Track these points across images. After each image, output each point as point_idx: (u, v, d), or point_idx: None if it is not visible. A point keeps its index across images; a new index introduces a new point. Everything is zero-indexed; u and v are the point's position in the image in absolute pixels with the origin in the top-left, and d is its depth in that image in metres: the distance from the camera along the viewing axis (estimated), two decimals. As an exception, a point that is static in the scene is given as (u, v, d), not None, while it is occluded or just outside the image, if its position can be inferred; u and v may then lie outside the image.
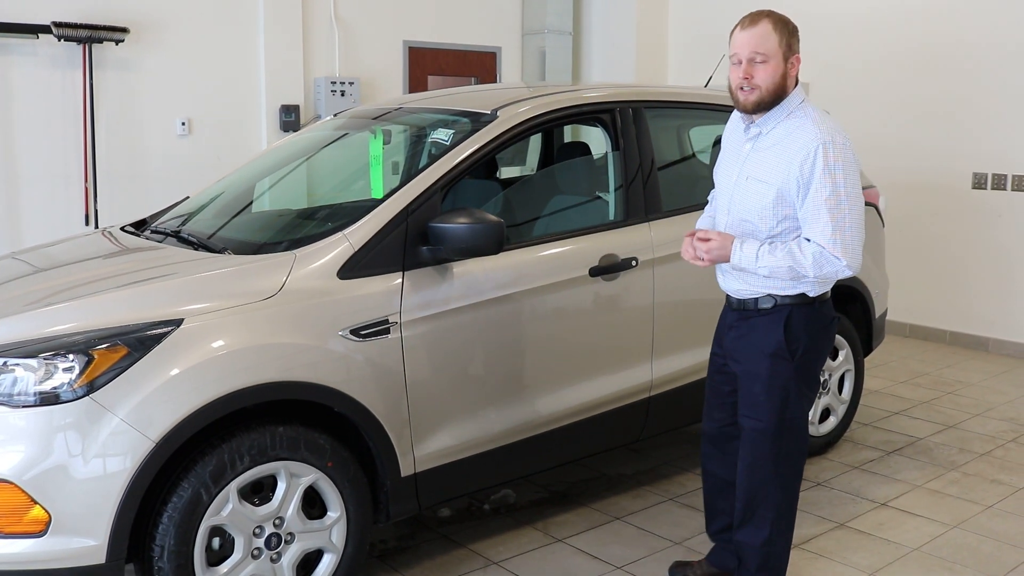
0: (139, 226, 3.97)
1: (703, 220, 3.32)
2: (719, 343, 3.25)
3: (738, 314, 3.09)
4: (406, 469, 3.19)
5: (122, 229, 3.93)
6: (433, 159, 3.42)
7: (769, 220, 2.90)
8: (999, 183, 6.77)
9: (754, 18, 2.87)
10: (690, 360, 4.00)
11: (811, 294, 2.96)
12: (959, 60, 6.86)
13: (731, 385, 3.20)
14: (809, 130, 2.84)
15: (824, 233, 2.79)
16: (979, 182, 6.86)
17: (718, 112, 4.40)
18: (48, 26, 6.39)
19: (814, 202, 2.80)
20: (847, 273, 2.84)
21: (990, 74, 6.71)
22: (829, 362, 4.63)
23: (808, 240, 2.83)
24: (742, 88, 2.89)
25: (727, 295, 3.16)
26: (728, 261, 2.91)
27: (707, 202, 3.43)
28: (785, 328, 2.94)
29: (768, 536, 3.09)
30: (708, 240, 2.94)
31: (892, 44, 7.23)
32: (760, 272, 2.87)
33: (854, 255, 2.82)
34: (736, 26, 2.91)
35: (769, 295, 2.96)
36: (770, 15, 2.88)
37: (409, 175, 3.43)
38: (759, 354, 3.00)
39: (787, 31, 2.87)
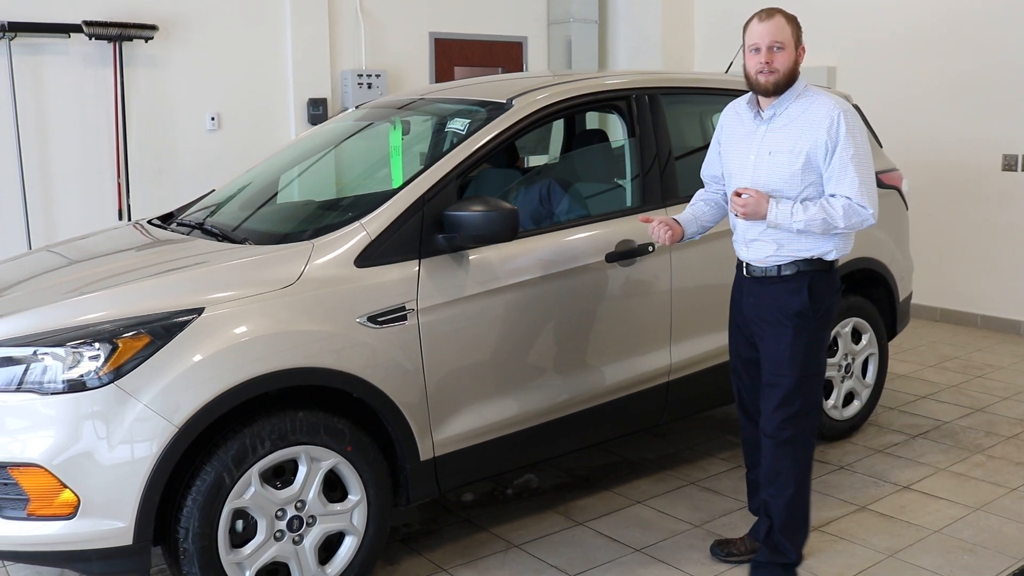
0: (166, 219, 4.07)
1: (698, 208, 3.51)
2: (739, 311, 3.43)
3: (758, 282, 3.30)
4: (425, 453, 3.25)
5: (149, 222, 4.02)
6: (449, 149, 3.47)
7: (797, 186, 3.16)
8: (1030, 164, 6.70)
9: (769, 12, 3.19)
10: (709, 345, 4.02)
11: (828, 257, 3.23)
12: (988, 38, 6.77)
13: (757, 352, 3.37)
14: (826, 102, 3.17)
15: (853, 186, 3.10)
16: (1009, 163, 6.78)
17: (738, 97, 4.41)
18: (79, 25, 6.53)
19: (841, 160, 3.11)
20: (871, 222, 3.14)
21: (1020, 52, 6.62)
22: (852, 346, 4.63)
23: (834, 196, 3.12)
24: (761, 72, 3.17)
25: (746, 265, 3.34)
26: (763, 218, 3.14)
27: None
28: (809, 291, 3.21)
29: (794, 492, 3.29)
30: (743, 196, 3.16)
31: (919, 23, 7.15)
32: (795, 227, 3.11)
33: (876, 206, 3.15)
34: (752, 19, 3.23)
35: (794, 262, 3.21)
36: (781, 11, 3.20)
37: (425, 165, 3.48)
38: (784, 315, 3.24)
39: (796, 25, 3.22)
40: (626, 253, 3.72)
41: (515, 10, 9.00)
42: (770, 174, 3.19)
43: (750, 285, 3.33)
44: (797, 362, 3.22)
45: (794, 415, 3.24)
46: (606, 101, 3.97)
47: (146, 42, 6.86)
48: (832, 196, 3.13)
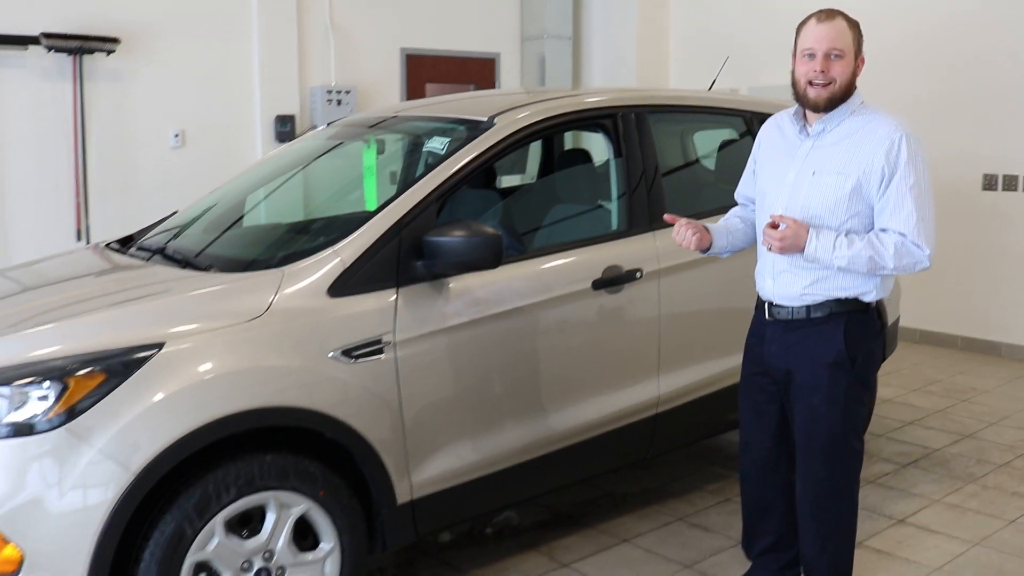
0: (125, 243, 3.84)
1: (732, 223, 3.21)
2: (755, 362, 3.09)
3: (783, 326, 2.95)
4: (402, 496, 3.04)
5: (107, 246, 3.79)
6: (427, 169, 3.28)
7: (841, 214, 2.80)
8: (1010, 184, 6.63)
9: (829, 14, 2.82)
10: (698, 375, 3.86)
11: (866, 298, 2.87)
12: (968, 58, 6.72)
13: (776, 404, 3.07)
14: (886, 122, 2.83)
15: (909, 221, 2.74)
16: (990, 183, 6.72)
17: (722, 116, 4.28)
18: (37, 37, 6.27)
19: (899, 190, 2.75)
20: (925, 264, 2.77)
21: (1000, 72, 6.57)
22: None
23: (885, 231, 2.77)
24: (813, 82, 2.81)
25: (767, 306, 2.99)
26: (800, 251, 2.77)
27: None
28: (845, 336, 2.86)
29: (836, 547, 3.03)
30: (777, 227, 2.77)
31: (899, 42, 7.07)
32: (836, 263, 2.75)
33: (934, 246, 2.77)
34: (809, 20, 2.85)
35: (826, 302, 2.85)
36: (842, 13, 2.84)
37: (403, 186, 3.29)
38: (817, 364, 2.89)
39: (858, 31, 2.85)
40: (613, 280, 3.55)
41: (488, 26, 8.85)
42: (811, 197, 2.82)
43: (774, 331, 2.97)
44: (836, 418, 2.89)
45: (835, 473, 2.94)
46: (592, 119, 3.79)
47: (107, 55, 6.61)
48: (883, 231, 2.76)
